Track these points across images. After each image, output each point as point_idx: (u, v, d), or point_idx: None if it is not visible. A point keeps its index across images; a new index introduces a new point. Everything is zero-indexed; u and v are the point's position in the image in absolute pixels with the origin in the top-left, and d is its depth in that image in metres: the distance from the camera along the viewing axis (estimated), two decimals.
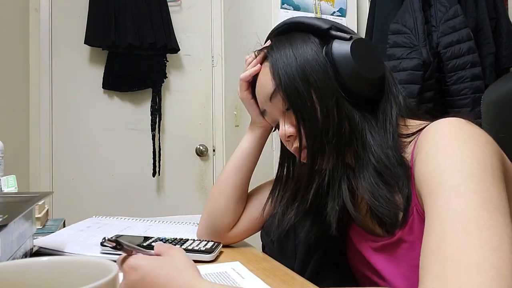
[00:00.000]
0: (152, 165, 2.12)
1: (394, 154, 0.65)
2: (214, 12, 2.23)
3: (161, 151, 2.14)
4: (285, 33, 0.75)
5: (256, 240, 0.95)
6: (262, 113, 0.80)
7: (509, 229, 0.46)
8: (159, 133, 2.14)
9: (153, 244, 0.80)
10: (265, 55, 0.77)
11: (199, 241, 0.83)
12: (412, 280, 0.62)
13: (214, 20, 2.23)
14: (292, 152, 0.74)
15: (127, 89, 2.11)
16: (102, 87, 2.08)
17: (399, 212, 0.64)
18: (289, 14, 2.33)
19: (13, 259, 0.62)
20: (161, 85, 2.14)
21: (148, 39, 2.02)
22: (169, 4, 2.12)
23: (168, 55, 2.12)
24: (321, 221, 0.73)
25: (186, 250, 0.78)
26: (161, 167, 2.14)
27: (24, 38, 1.98)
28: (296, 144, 0.71)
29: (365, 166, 0.67)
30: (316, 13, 2.35)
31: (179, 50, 2.12)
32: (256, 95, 0.80)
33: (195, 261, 0.72)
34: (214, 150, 2.22)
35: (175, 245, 0.78)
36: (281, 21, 0.77)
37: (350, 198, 0.69)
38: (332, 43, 0.69)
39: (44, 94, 2.02)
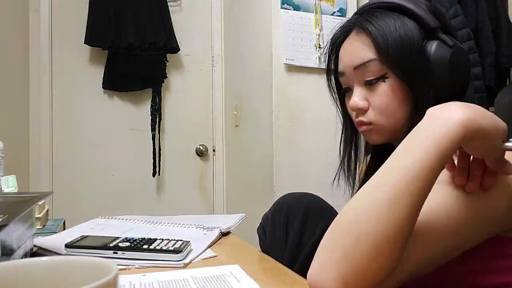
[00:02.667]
0: (152, 165, 2.12)
1: None
2: (214, 12, 2.23)
3: (161, 151, 2.14)
4: (389, 9, 0.76)
5: (253, 240, 0.95)
6: (339, 73, 0.81)
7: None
8: (159, 133, 2.14)
9: (120, 245, 0.77)
10: (356, 24, 0.77)
11: (168, 241, 0.79)
12: None
13: (214, 20, 2.23)
14: (355, 122, 0.79)
15: (127, 89, 2.11)
16: (102, 87, 2.08)
17: None
18: (289, 14, 2.33)
19: (13, 259, 0.61)
20: (161, 85, 2.14)
21: (148, 39, 2.02)
22: (169, 4, 2.12)
23: (168, 55, 2.12)
24: None
25: (152, 250, 0.75)
26: (161, 167, 2.14)
27: (24, 38, 1.98)
28: (362, 118, 0.76)
29: None
30: (316, 13, 2.35)
31: (179, 50, 2.12)
32: (341, 58, 0.80)
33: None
34: (214, 150, 2.22)
35: (143, 245, 0.77)
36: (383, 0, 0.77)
37: None
38: (435, 43, 0.72)
39: (44, 94, 2.02)
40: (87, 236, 0.85)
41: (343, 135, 0.86)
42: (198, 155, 2.22)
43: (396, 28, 0.72)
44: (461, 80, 0.74)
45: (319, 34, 2.34)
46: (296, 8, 2.35)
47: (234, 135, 2.27)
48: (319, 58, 2.34)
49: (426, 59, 0.72)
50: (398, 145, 0.74)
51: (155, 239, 0.80)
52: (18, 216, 0.61)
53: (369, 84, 0.75)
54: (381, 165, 0.59)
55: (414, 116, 0.71)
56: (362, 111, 0.76)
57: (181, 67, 2.21)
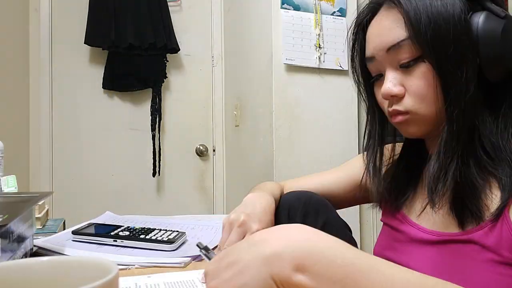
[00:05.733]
0: (152, 165, 2.12)
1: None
2: (214, 12, 2.23)
3: (161, 151, 2.14)
4: None
5: None
6: (367, 59, 0.70)
7: None
8: (159, 133, 2.14)
9: (121, 234, 0.82)
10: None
11: (165, 231, 0.85)
12: (472, 279, 0.61)
13: (214, 20, 2.23)
14: (387, 113, 0.69)
15: (127, 89, 2.11)
16: (102, 87, 2.08)
17: (485, 212, 0.62)
18: (289, 14, 2.33)
19: (13, 259, 0.61)
20: (161, 85, 2.14)
21: (148, 39, 2.02)
22: (169, 4, 2.12)
23: (168, 55, 2.12)
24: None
25: (148, 240, 0.80)
26: (161, 167, 2.14)
27: (24, 38, 1.98)
28: (397, 106, 0.66)
29: (471, 155, 0.63)
30: (316, 13, 2.35)
31: (179, 50, 2.12)
32: (368, 40, 0.70)
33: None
34: (214, 150, 2.22)
35: (140, 235, 0.82)
36: None
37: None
38: (482, 14, 0.61)
39: (44, 94, 2.02)
40: (93, 223, 0.92)
41: (367, 130, 0.76)
42: (198, 155, 2.22)
43: (433, 4, 0.61)
44: None
45: (319, 34, 2.34)
46: (296, 8, 2.35)
47: (234, 135, 2.27)
48: (319, 58, 2.33)
49: (471, 35, 0.61)
50: (432, 139, 0.68)
51: (153, 229, 0.86)
52: (18, 216, 0.61)
53: (405, 67, 0.64)
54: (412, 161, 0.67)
55: (453, 105, 0.61)
56: (397, 98, 0.66)
57: (181, 67, 2.21)
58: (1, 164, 1.02)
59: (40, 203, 0.92)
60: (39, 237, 0.87)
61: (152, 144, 2.12)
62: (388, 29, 0.65)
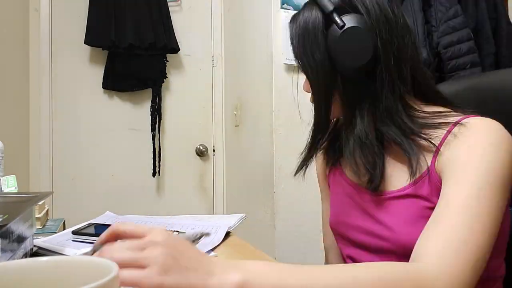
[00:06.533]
0: (152, 165, 2.12)
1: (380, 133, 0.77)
2: (214, 12, 2.23)
3: (161, 151, 2.14)
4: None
5: (253, 240, 0.95)
6: None
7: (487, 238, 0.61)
8: (159, 133, 2.14)
9: None
10: None
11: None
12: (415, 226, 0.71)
13: (214, 20, 2.23)
14: None
15: (127, 89, 2.11)
16: (102, 87, 2.08)
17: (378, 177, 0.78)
18: (289, 14, 2.33)
19: (13, 259, 0.61)
20: (161, 85, 2.14)
21: (148, 39, 2.02)
22: (169, 4, 2.12)
23: (168, 55, 2.12)
24: None
25: None
26: (161, 167, 2.14)
27: (24, 38, 1.98)
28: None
29: (351, 134, 0.79)
30: None
31: (179, 50, 2.12)
32: None
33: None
34: (214, 150, 2.22)
35: None
36: None
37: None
38: (331, 27, 0.75)
39: (44, 94, 2.02)
40: (93, 224, 0.91)
41: None
42: (198, 155, 2.22)
43: (305, 20, 0.80)
44: (356, 61, 0.75)
45: None
46: (296, 8, 2.35)
47: (234, 135, 2.27)
48: None
49: (326, 47, 0.76)
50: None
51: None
52: (18, 216, 0.61)
53: None
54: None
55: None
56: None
57: (181, 67, 2.21)
58: (1, 164, 1.02)
59: (40, 203, 0.92)
60: (39, 237, 0.87)
61: (152, 144, 2.12)
62: None
